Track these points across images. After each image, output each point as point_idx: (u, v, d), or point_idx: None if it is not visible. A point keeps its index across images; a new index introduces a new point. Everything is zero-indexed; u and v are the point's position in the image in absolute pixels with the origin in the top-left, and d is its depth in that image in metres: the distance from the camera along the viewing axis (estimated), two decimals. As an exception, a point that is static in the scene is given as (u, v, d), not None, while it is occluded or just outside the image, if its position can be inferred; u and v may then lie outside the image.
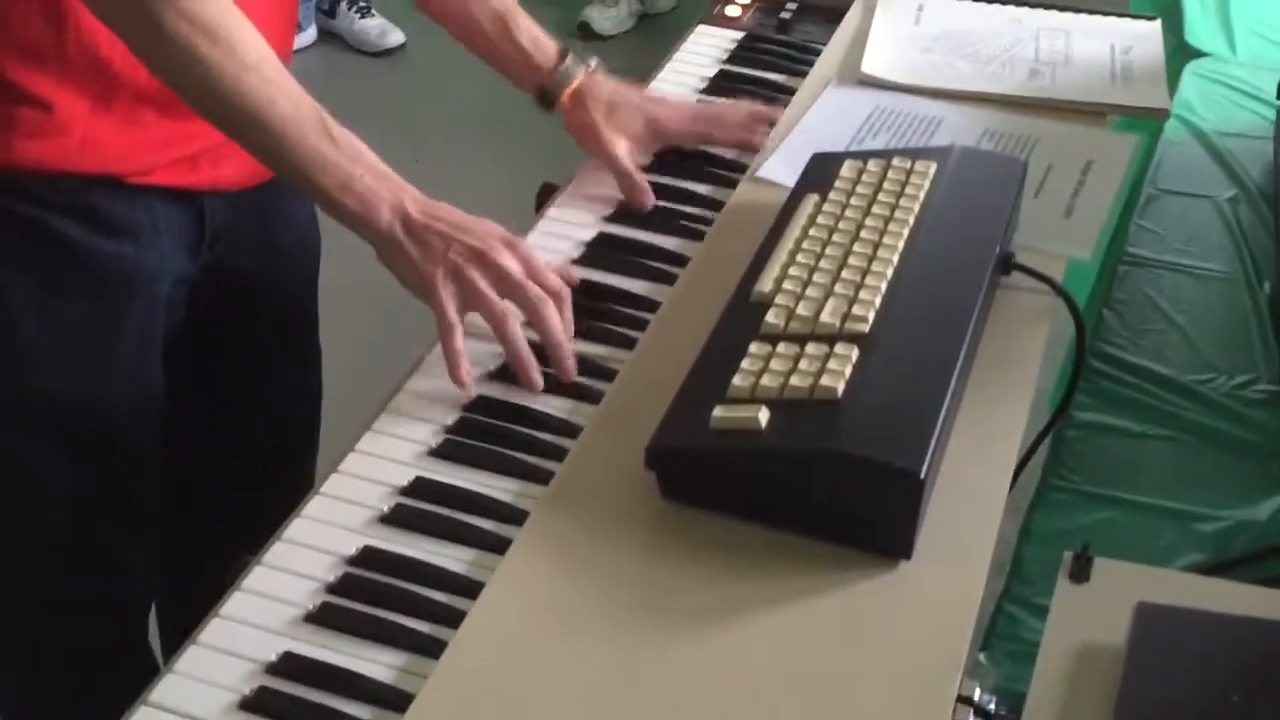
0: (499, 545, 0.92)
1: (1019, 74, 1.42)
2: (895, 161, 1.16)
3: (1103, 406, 1.21)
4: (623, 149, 1.24)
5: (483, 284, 1.03)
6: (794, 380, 0.95)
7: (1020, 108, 1.38)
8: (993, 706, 0.89)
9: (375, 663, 0.85)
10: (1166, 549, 1.08)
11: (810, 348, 0.97)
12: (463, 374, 1.03)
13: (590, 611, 0.89)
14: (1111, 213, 1.25)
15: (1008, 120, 1.36)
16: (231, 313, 1.28)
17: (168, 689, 0.84)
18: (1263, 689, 0.87)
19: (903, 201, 1.11)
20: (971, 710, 0.88)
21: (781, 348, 0.98)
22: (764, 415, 0.92)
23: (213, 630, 0.87)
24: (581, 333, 1.09)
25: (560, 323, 1.05)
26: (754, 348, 0.98)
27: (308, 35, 3.49)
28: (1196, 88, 1.63)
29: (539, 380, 1.04)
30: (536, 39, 1.26)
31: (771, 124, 1.34)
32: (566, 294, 1.07)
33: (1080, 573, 0.98)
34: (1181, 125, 1.56)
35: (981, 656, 0.95)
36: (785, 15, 1.55)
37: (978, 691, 0.89)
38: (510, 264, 1.04)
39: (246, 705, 0.83)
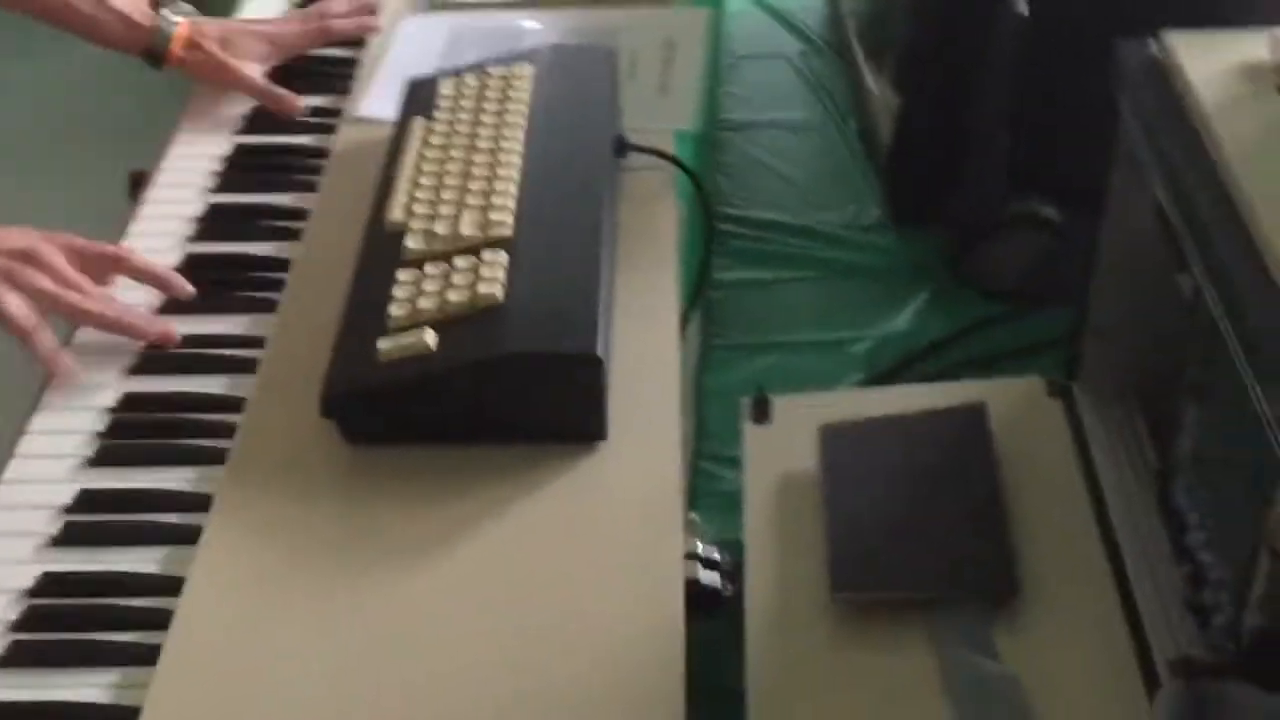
0: (190, 535, 0.87)
1: (580, -29, 1.44)
2: (492, 70, 1.16)
3: (737, 263, 1.27)
4: (255, 70, 1.28)
5: (43, 281, 1.00)
6: (452, 296, 0.93)
7: (591, 4, 1.40)
8: (716, 555, 0.93)
9: (89, 686, 0.79)
10: (829, 376, 1.15)
11: (459, 261, 0.96)
12: (64, 368, 0.98)
13: (300, 574, 0.85)
14: (702, 83, 1.30)
15: (583, 17, 1.39)
16: None
17: None
18: (945, 468, 0.94)
19: (510, 106, 1.12)
20: (699, 563, 0.91)
21: (430, 268, 0.97)
22: (431, 336, 0.91)
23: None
24: (220, 306, 1.04)
25: (121, 307, 1.03)
26: (402, 275, 0.97)
27: None
28: (745, -40, 1.71)
29: (158, 328, 1.02)
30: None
31: (374, 10, 1.37)
32: (125, 253, 1.06)
33: (761, 414, 1.03)
34: (741, -4, 1.64)
35: (693, 515, 0.98)
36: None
37: (699, 546, 0.92)
38: (56, 259, 1.01)
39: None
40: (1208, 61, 0.86)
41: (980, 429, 0.96)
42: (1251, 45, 0.87)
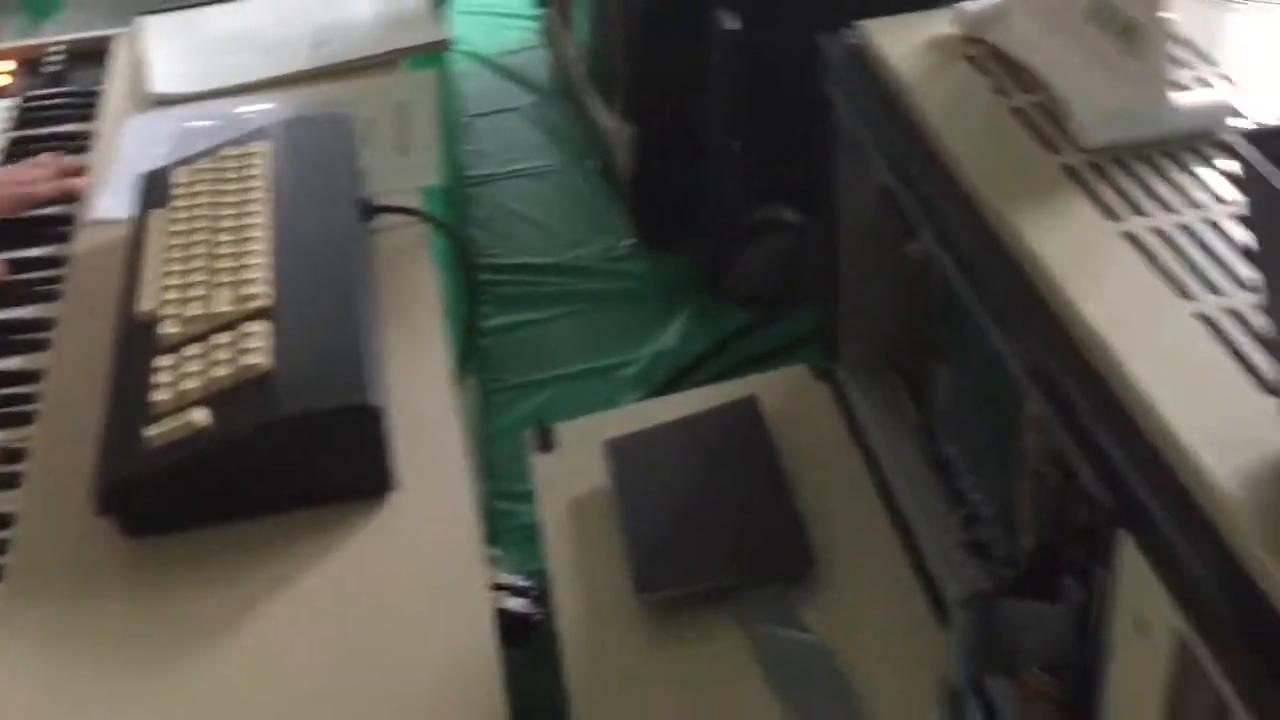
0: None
1: (304, 50, 1.45)
2: (227, 151, 1.16)
3: (504, 309, 1.29)
4: None
5: None
6: (217, 372, 0.92)
7: (321, 79, 1.41)
8: (521, 583, 0.94)
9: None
10: (606, 401, 1.17)
11: (219, 338, 0.95)
12: None
13: (93, 677, 0.83)
14: (439, 139, 1.32)
15: (313, 94, 1.39)
16: None
17: None
18: (727, 461, 0.97)
19: (250, 183, 1.11)
20: (506, 593, 0.92)
21: (189, 350, 0.95)
22: (201, 414, 0.89)
23: None
24: (-27, 424, 1.01)
25: None
26: (160, 361, 0.95)
27: None
28: (465, 23, 1.74)
29: None
30: None
31: (80, 172, 1.29)
32: None
33: (546, 443, 1.04)
34: (467, 58, 1.67)
35: (494, 551, 0.99)
36: (52, 69, 1.48)
37: (504, 577, 0.93)
38: None
39: None
40: (902, 42, 0.93)
41: (755, 420, 1.00)
42: (938, 22, 0.93)
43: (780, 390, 1.04)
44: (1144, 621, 0.59)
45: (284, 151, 1.16)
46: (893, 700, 0.81)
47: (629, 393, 1.18)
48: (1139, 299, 0.66)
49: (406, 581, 0.88)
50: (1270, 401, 0.58)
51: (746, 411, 1.00)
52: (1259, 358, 0.61)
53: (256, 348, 0.93)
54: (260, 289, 0.99)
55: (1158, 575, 0.57)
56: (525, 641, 0.92)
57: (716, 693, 0.85)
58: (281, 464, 0.90)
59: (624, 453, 0.99)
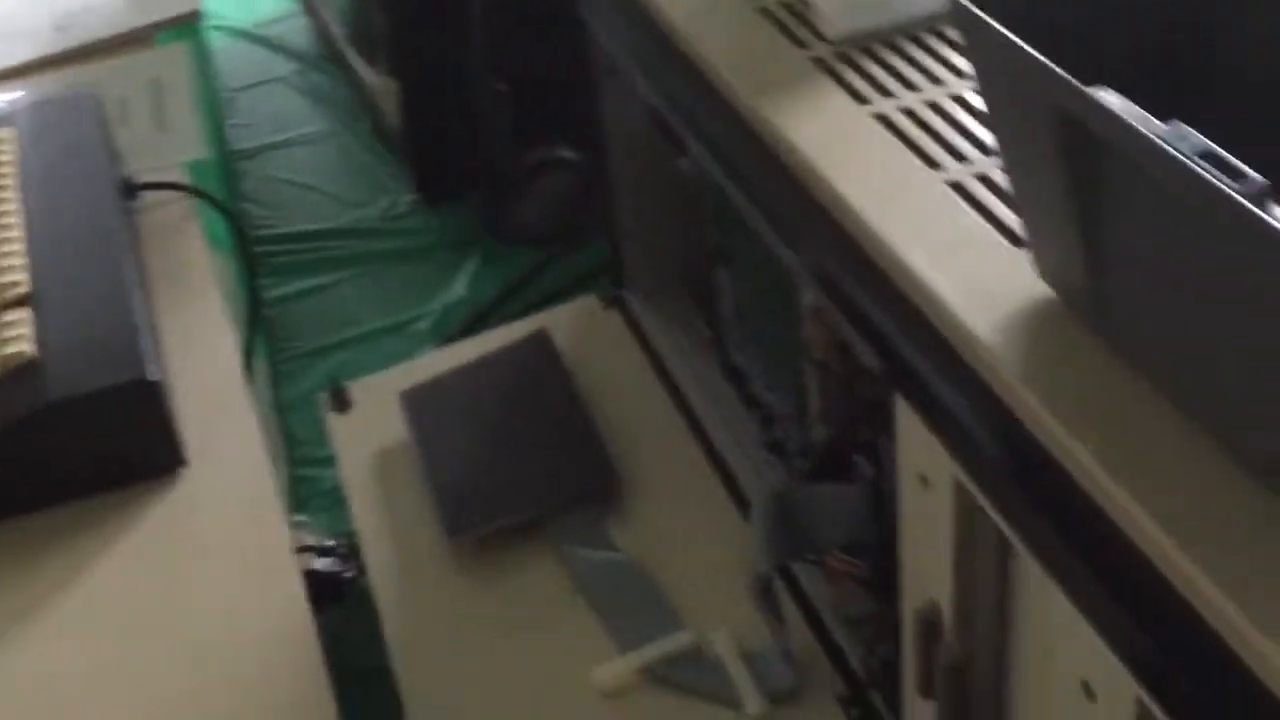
0: None
1: (46, 35, 1.39)
2: (-33, 143, 1.10)
3: (287, 278, 1.26)
4: None
5: None
6: (-22, 365, 0.88)
7: (69, 62, 1.35)
8: (329, 543, 0.92)
9: None
10: (404, 359, 1.15)
11: (-22, 331, 0.91)
12: None
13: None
14: (199, 112, 1.27)
15: (62, 78, 1.33)
16: None
17: None
18: (525, 396, 0.97)
19: (-4, 171, 1.06)
20: (314, 554, 0.90)
21: (-53, 347, 0.90)
22: (-33, 410, 0.85)
23: None
24: None
25: None
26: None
27: None
28: (218, -3, 1.69)
29: None
30: None
31: None
32: None
33: (341, 403, 1.02)
34: (224, 33, 1.62)
35: (301, 517, 0.97)
36: None
37: (310, 540, 0.91)
38: None
39: None
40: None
41: (547, 353, 0.99)
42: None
43: (571, 322, 1.04)
44: (926, 477, 0.61)
45: (30, 137, 1.10)
46: (709, 603, 0.82)
47: (424, 347, 1.17)
48: (893, 174, 0.68)
49: (208, 555, 0.86)
50: (1020, 253, 0.60)
51: (538, 346, 1.00)
52: (1007, 214, 0.63)
53: (17, 336, 0.89)
54: (16, 277, 0.94)
55: (933, 430, 0.59)
56: (339, 599, 0.90)
57: (537, 624, 0.84)
58: (59, 452, 0.86)
59: (420, 402, 0.98)
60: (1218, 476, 0.49)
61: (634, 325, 1.04)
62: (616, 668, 0.79)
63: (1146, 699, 0.47)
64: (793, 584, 0.82)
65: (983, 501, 0.56)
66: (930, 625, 0.63)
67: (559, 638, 0.83)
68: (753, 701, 0.75)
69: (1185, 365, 0.51)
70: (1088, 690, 0.52)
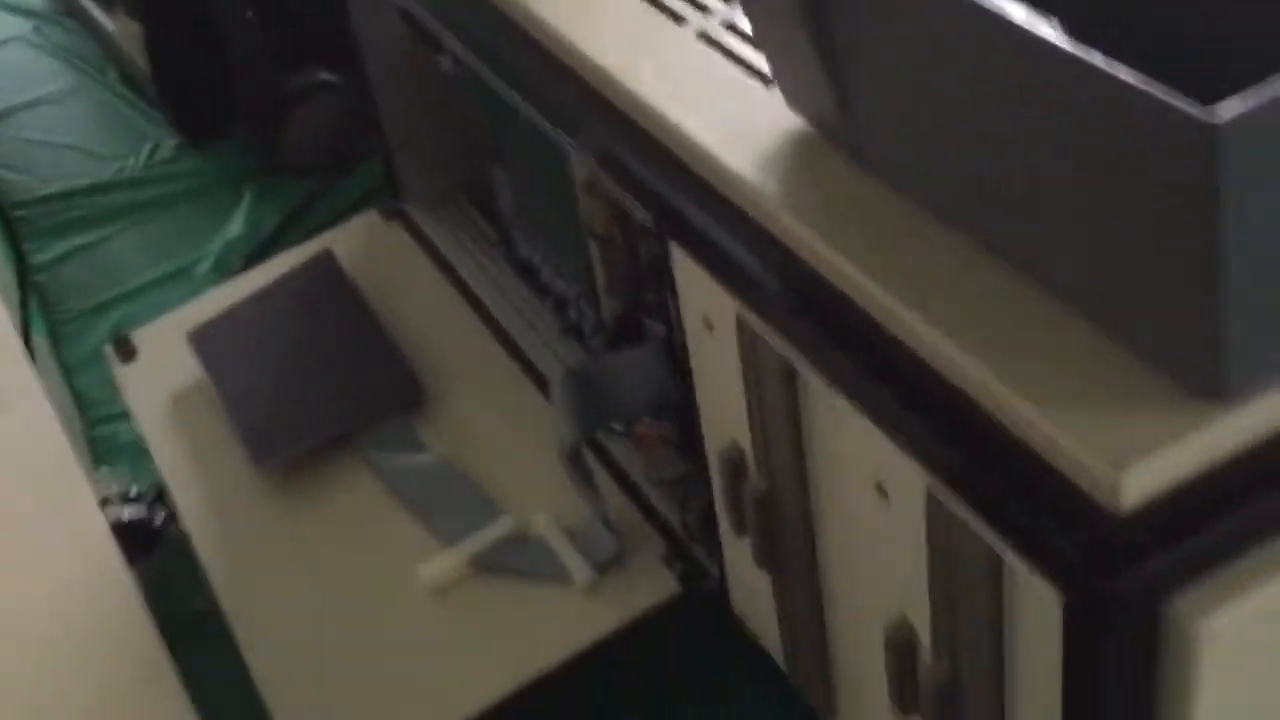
0: None
1: None
2: None
3: (54, 240, 1.21)
4: None
5: None
6: None
7: None
8: (134, 490, 0.90)
9: None
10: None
11: None
12: None
13: None
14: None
15: None
16: None
17: None
18: (317, 317, 0.96)
19: None
20: (120, 505, 0.88)
21: None
22: None
23: None
24: None
25: None
26: None
27: None
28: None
29: None
30: None
31: None
32: None
33: (126, 353, 0.99)
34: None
35: (101, 470, 0.95)
36: None
37: (114, 490, 0.89)
38: None
39: None
40: None
41: (333, 272, 0.98)
42: None
43: (354, 240, 1.03)
44: (709, 319, 0.62)
45: None
46: (526, 489, 0.83)
47: (207, 288, 1.14)
48: (642, 34, 0.68)
49: (12, 523, 0.83)
50: (772, 92, 0.62)
51: (324, 266, 0.98)
52: (756, 58, 0.64)
53: None
54: None
55: (709, 270, 0.60)
56: (153, 548, 0.88)
57: (359, 536, 0.84)
58: None
59: (209, 339, 0.95)
60: (976, 272, 0.51)
61: (418, 235, 1.03)
62: (443, 562, 0.79)
63: (934, 485, 0.50)
64: (605, 457, 0.83)
65: (764, 331, 0.58)
66: (734, 465, 0.65)
67: (383, 545, 0.82)
68: (581, 573, 0.77)
69: (934, 173, 0.53)
70: (881, 491, 0.54)
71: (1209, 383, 0.44)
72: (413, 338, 0.94)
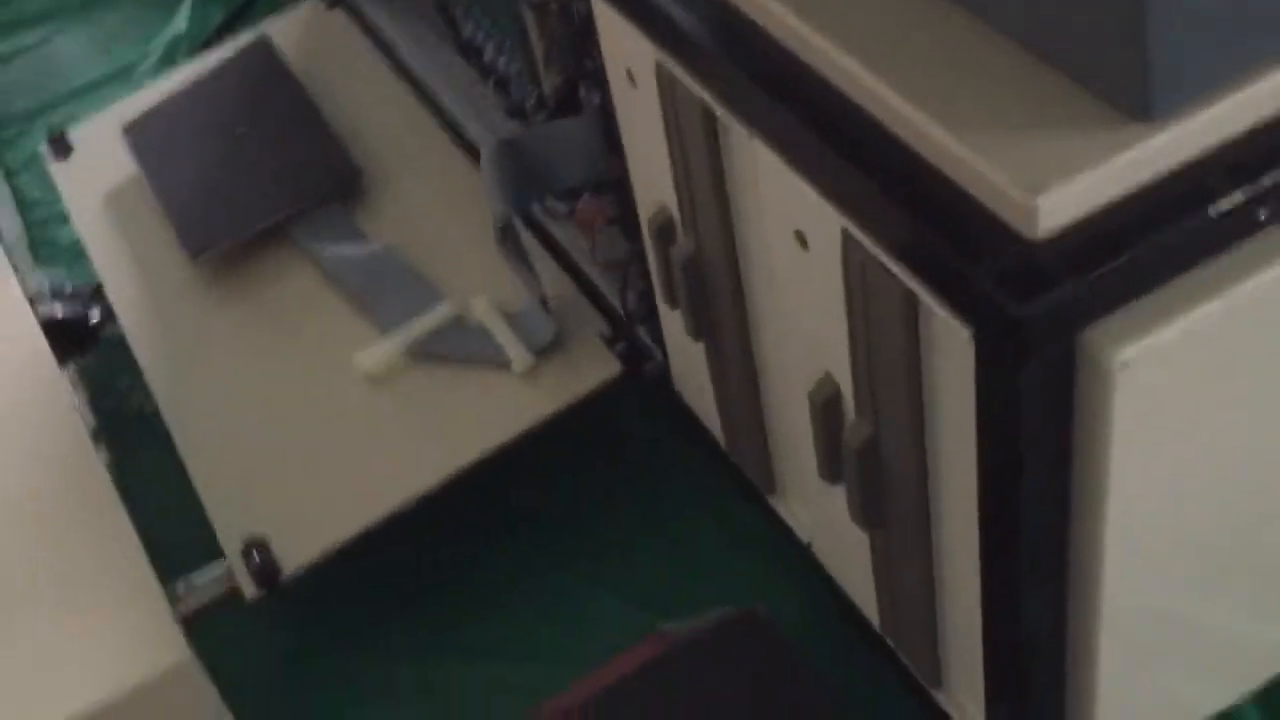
0: None
1: None
2: None
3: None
4: None
5: None
6: None
7: None
8: (68, 289, 0.88)
9: None
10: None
11: None
12: None
13: None
14: None
15: None
16: None
17: None
18: (254, 105, 0.92)
19: None
20: (54, 302, 0.86)
21: None
22: None
23: None
24: None
25: None
26: None
27: None
28: None
29: None
30: None
31: None
32: None
33: (61, 150, 0.96)
34: None
35: (36, 270, 0.93)
36: None
37: (45, 288, 0.87)
38: None
39: None
40: None
41: (271, 59, 0.94)
42: None
43: (294, 29, 0.98)
44: (631, 71, 0.59)
45: None
46: (466, 274, 0.80)
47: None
48: None
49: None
50: None
51: (261, 53, 0.94)
52: None
53: None
54: None
55: (629, 19, 0.56)
56: (89, 347, 0.86)
57: (296, 327, 0.81)
58: None
59: (144, 133, 0.92)
60: (901, 6, 0.47)
61: (360, 20, 0.98)
62: (379, 350, 0.77)
63: (849, 227, 0.47)
64: (549, 241, 0.80)
65: (683, 77, 0.54)
66: (664, 230, 0.62)
67: (321, 337, 0.80)
68: (519, 357, 0.74)
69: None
70: (801, 240, 0.51)
71: (1135, 99, 0.40)
72: (353, 125, 0.90)
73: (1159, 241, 0.40)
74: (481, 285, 0.79)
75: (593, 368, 0.74)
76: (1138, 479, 0.44)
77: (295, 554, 0.71)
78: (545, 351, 0.75)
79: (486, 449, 0.72)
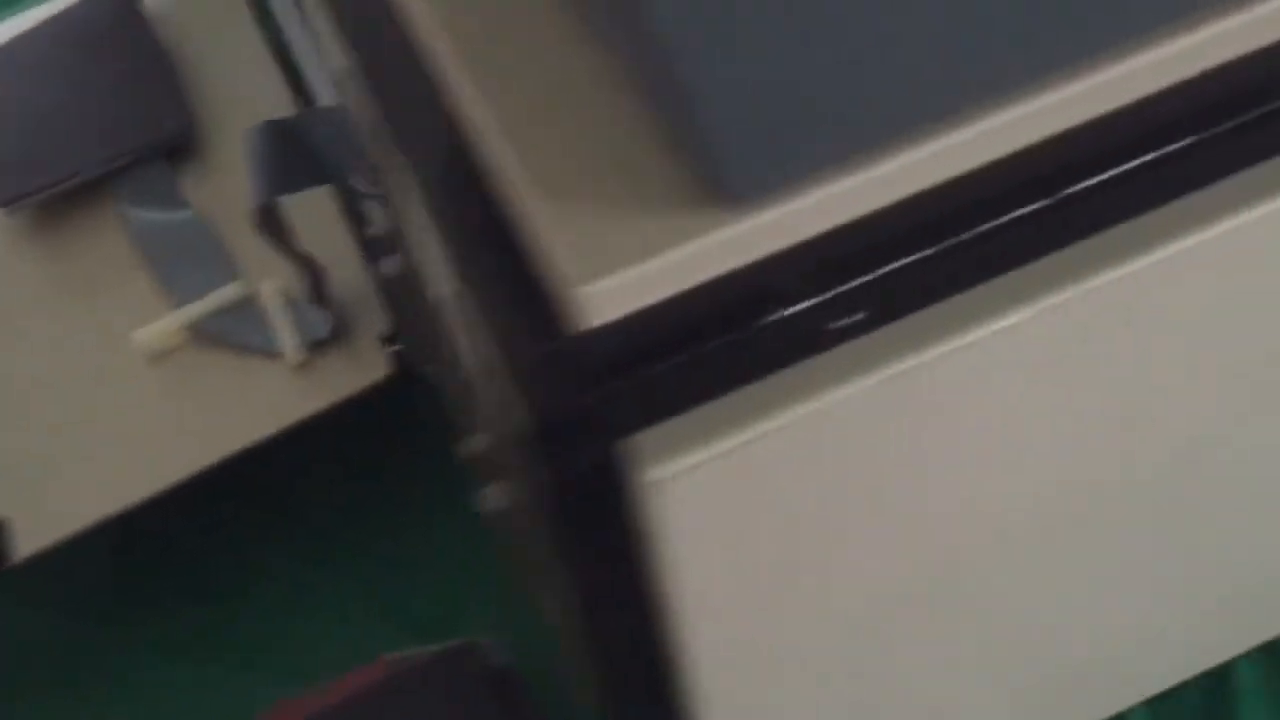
0: None
1: None
2: None
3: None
4: None
5: None
6: None
7: None
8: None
9: None
10: None
11: None
12: None
13: None
14: None
15: None
16: None
17: None
18: (97, 52, 0.87)
19: None
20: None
21: None
22: None
23: None
24: None
25: None
26: None
27: None
28: None
29: None
30: None
31: None
32: None
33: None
34: None
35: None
36: None
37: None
38: None
39: None
40: None
41: (126, 3, 0.89)
42: None
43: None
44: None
45: None
46: (268, 258, 0.76)
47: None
48: None
49: None
50: None
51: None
52: None
53: None
54: None
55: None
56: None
57: (95, 295, 0.78)
58: None
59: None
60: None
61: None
62: (159, 326, 0.73)
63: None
64: (356, 223, 0.76)
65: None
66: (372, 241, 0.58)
67: (114, 306, 0.76)
68: (291, 349, 0.70)
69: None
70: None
71: (710, 179, 0.35)
72: (203, 81, 0.86)
73: (709, 349, 0.35)
74: (281, 268, 0.74)
75: (364, 368, 0.70)
76: (704, 591, 0.39)
77: (33, 538, 0.68)
78: (323, 345, 0.71)
79: (244, 444, 0.69)
